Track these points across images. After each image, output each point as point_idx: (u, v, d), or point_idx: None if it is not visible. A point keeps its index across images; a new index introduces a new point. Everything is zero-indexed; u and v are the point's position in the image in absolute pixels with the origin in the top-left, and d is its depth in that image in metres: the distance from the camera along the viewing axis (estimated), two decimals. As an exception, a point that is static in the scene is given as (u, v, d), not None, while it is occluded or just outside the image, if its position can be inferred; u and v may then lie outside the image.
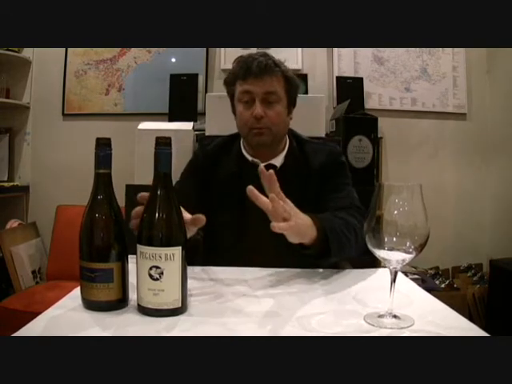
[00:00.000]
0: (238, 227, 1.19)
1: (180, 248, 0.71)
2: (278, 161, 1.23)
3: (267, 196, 1.15)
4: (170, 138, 0.73)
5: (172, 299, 0.71)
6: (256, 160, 1.22)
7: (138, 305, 0.73)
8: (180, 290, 0.72)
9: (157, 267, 0.70)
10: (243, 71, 1.15)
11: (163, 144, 0.72)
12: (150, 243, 0.71)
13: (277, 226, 0.79)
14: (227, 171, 1.24)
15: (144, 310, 0.72)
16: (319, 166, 1.22)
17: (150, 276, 0.70)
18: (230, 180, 1.22)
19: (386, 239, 0.68)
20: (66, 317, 0.72)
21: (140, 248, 0.71)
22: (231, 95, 1.23)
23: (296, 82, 1.22)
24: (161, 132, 1.94)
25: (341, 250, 0.96)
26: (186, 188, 1.19)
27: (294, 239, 0.86)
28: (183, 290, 0.73)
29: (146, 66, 2.77)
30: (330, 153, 1.25)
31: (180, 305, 0.72)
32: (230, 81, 1.21)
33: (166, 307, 0.71)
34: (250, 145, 1.22)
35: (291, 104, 1.23)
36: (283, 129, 1.22)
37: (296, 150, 1.26)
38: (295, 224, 0.83)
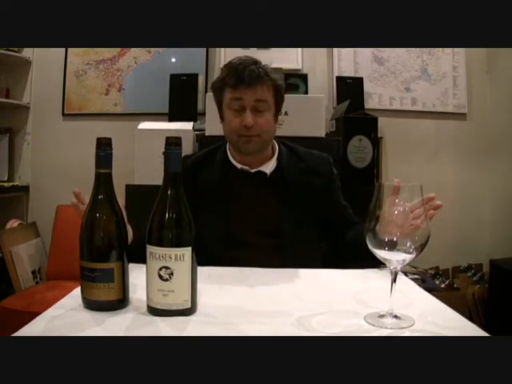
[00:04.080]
0: (223, 236, 1.18)
1: (190, 248, 0.71)
2: (267, 167, 1.24)
3: (255, 202, 1.22)
4: (180, 138, 0.72)
5: (182, 300, 0.71)
6: (245, 167, 1.23)
7: (148, 305, 0.72)
8: (190, 290, 0.71)
9: (167, 268, 0.69)
10: (234, 79, 1.14)
11: (173, 144, 0.72)
12: (160, 244, 0.70)
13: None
14: (211, 179, 1.23)
15: (153, 311, 0.71)
16: (317, 166, 1.26)
17: (160, 276, 0.69)
18: (215, 187, 1.22)
19: (386, 239, 0.68)
20: (66, 317, 0.72)
21: (150, 248, 0.71)
22: (219, 101, 1.23)
23: (283, 91, 1.22)
24: (161, 132, 1.95)
25: None
26: None
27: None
28: (193, 290, 0.72)
29: (146, 65, 2.77)
30: (326, 159, 1.29)
31: (190, 305, 0.72)
32: (219, 87, 1.20)
33: (175, 308, 0.70)
34: (238, 151, 1.22)
35: (278, 111, 1.25)
36: (272, 135, 1.24)
37: (287, 154, 1.27)
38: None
